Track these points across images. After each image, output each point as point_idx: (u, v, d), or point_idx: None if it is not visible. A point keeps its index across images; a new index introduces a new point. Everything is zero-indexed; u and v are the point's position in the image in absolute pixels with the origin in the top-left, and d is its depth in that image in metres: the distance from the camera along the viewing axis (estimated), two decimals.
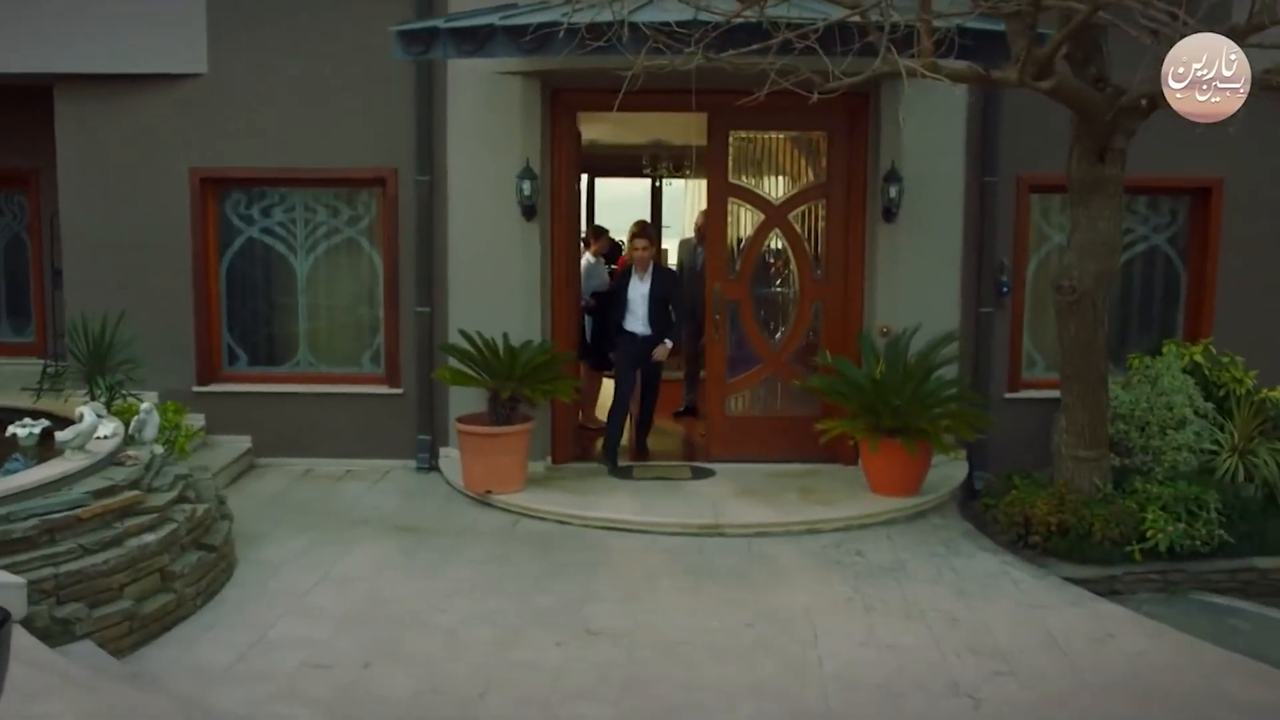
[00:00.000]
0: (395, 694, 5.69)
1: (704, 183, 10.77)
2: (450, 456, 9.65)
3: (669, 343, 9.96)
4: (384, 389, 10.05)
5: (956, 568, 7.70)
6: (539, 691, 5.74)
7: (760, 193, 10.04)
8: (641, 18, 7.01)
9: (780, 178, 10.28)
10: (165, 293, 9.82)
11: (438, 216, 9.68)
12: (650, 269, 9.95)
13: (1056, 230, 9.84)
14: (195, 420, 9.62)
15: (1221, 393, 9.22)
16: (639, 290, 9.91)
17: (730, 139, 9.87)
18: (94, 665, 5.53)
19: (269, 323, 10.36)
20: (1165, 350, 9.45)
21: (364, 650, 6.23)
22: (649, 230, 10.37)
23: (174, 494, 7.09)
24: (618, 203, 19.13)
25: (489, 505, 8.89)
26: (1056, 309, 8.10)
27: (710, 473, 9.60)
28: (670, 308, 9.98)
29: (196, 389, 9.91)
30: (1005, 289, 9.74)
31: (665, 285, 10.03)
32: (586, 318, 11.36)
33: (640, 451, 10.42)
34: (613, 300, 10.34)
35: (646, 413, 10.53)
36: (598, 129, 12.37)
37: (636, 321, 9.91)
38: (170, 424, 8.57)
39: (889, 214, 9.28)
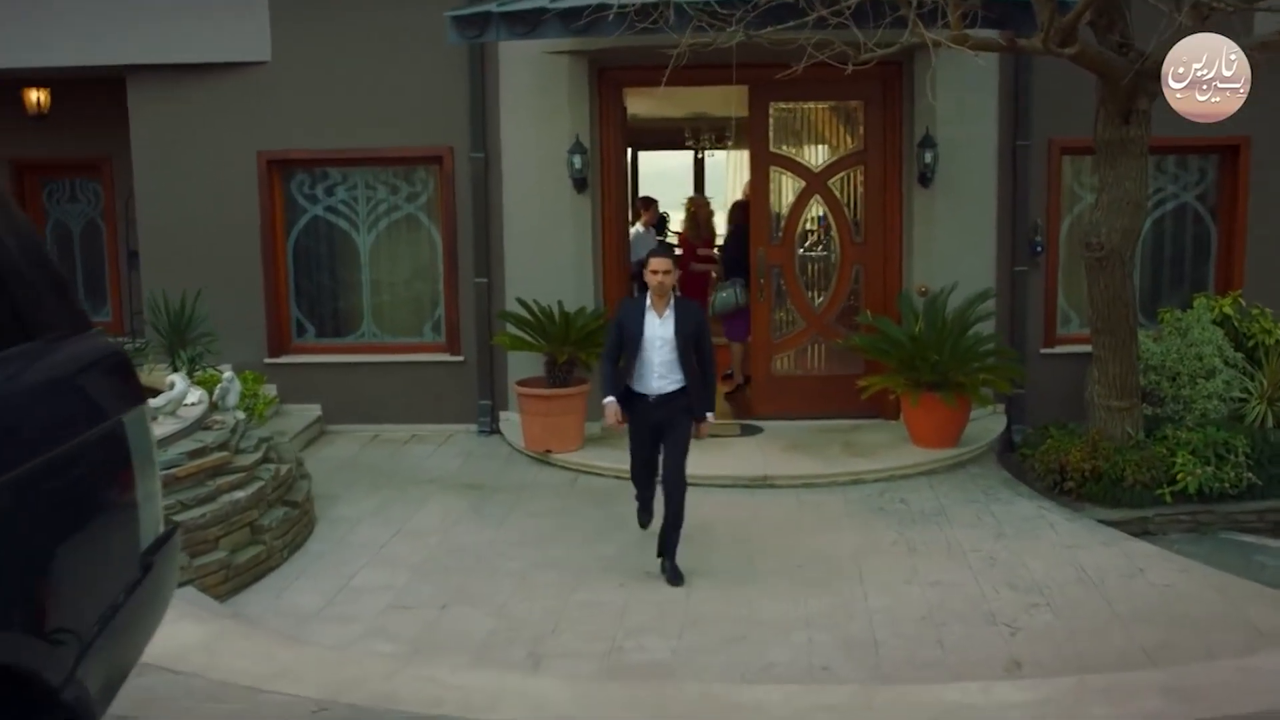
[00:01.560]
0: (474, 631, 6.18)
1: (745, 153, 11.06)
2: (510, 419, 10.13)
3: (710, 415, 7.15)
4: (445, 357, 10.53)
5: (995, 512, 8.11)
6: (605, 628, 6.21)
7: (801, 161, 10.43)
8: None
9: (819, 146, 10.66)
10: (236, 270, 10.32)
11: (493, 191, 10.13)
12: (672, 301, 7.06)
13: (1088, 191, 10.15)
14: (268, 390, 10.14)
15: (1251, 343, 9.53)
16: (656, 331, 6.99)
17: (770, 110, 10.25)
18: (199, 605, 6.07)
19: (334, 296, 10.86)
20: (1195, 303, 9.77)
21: (441, 594, 6.73)
22: (670, 251, 8.16)
23: (259, 455, 7.62)
24: (660, 175, 19.51)
25: (548, 464, 9.36)
26: (1086, 265, 8.45)
27: (758, 430, 10.02)
28: (699, 351, 7.10)
29: (268, 360, 10.42)
30: (1039, 248, 10.08)
31: (693, 323, 7.05)
32: (635, 284, 11.74)
33: (674, 577, 6.99)
34: (617, 344, 7.15)
35: (673, 515, 7.05)
36: (640, 104, 12.76)
37: (652, 376, 7.01)
38: (250, 392, 9.10)
39: (924, 179, 9.65)
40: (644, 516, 7.50)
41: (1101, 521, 7.97)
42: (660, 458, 7.19)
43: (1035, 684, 4.75)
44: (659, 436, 7.15)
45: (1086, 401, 8.86)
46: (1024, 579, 6.86)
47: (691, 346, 7.04)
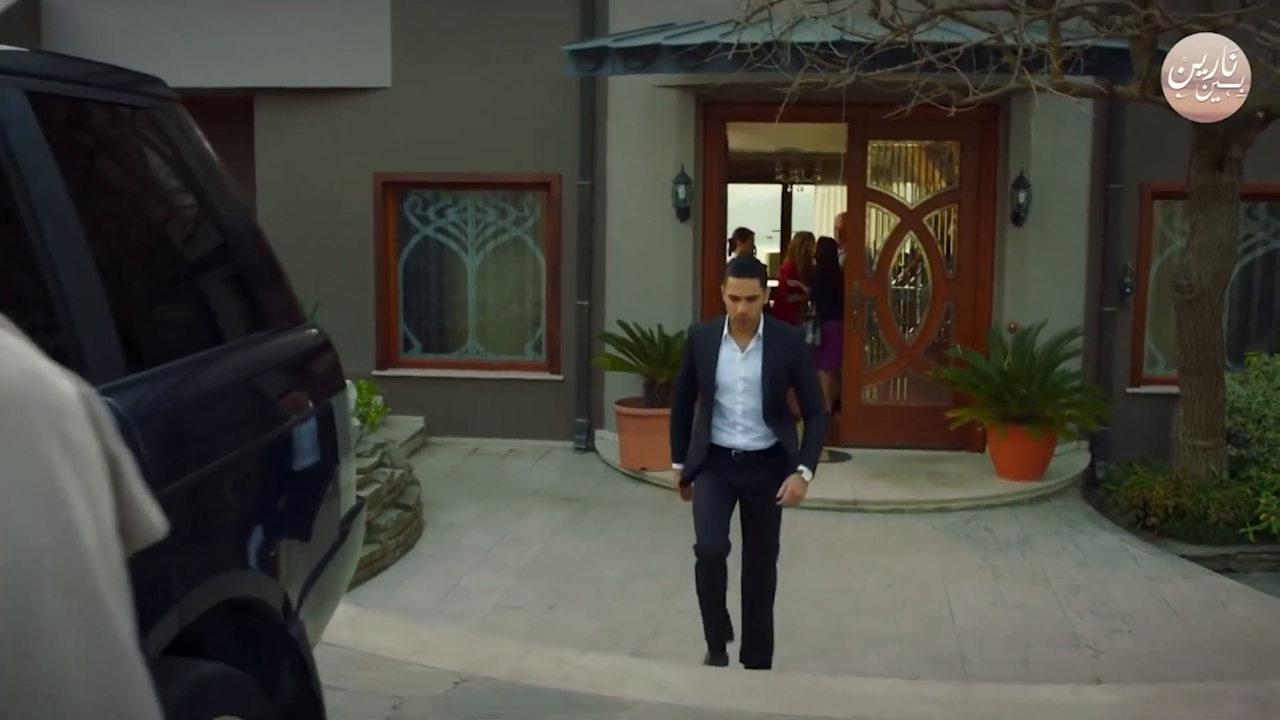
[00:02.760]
0: (580, 630, 6.54)
1: (834, 189, 11.41)
2: (605, 438, 10.51)
3: (807, 471, 5.47)
4: (545, 375, 10.94)
5: (1079, 544, 8.34)
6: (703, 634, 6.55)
7: (896, 197, 10.75)
8: (795, 38, 7.77)
9: (913, 183, 10.99)
10: (349, 285, 10.81)
11: (597, 218, 10.55)
12: (760, 331, 5.46)
13: (1178, 235, 10.37)
14: (378, 400, 10.59)
15: None
16: (737, 372, 5.47)
17: (869, 148, 10.59)
18: None
19: (441, 314, 11.33)
20: None
21: (547, 596, 7.11)
22: (756, 268, 5.75)
23: (375, 459, 8.06)
24: (748, 207, 19.84)
25: (643, 481, 9.72)
26: (1175, 306, 8.68)
27: (846, 456, 10.31)
28: (799, 395, 5.62)
29: (375, 373, 10.88)
30: (1128, 289, 10.31)
31: (789, 358, 5.50)
32: None
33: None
34: (690, 381, 5.69)
35: (758, 637, 5.77)
36: (734, 137, 13.09)
37: (733, 429, 5.51)
38: (364, 401, 9.56)
39: (1017, 218, 9.92)
40: (715, 651, 5.71)
41: (1184, 557, 8.16)
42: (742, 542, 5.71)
43: (1120, 689, 5.02)
44: (738, 507, 5.64)
45: (1172, 440, 9.07)
46: (1106, 606, 7.09)
47: (785, 389, 5.50)
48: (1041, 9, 7.02)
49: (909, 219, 10.67)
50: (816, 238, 13.41)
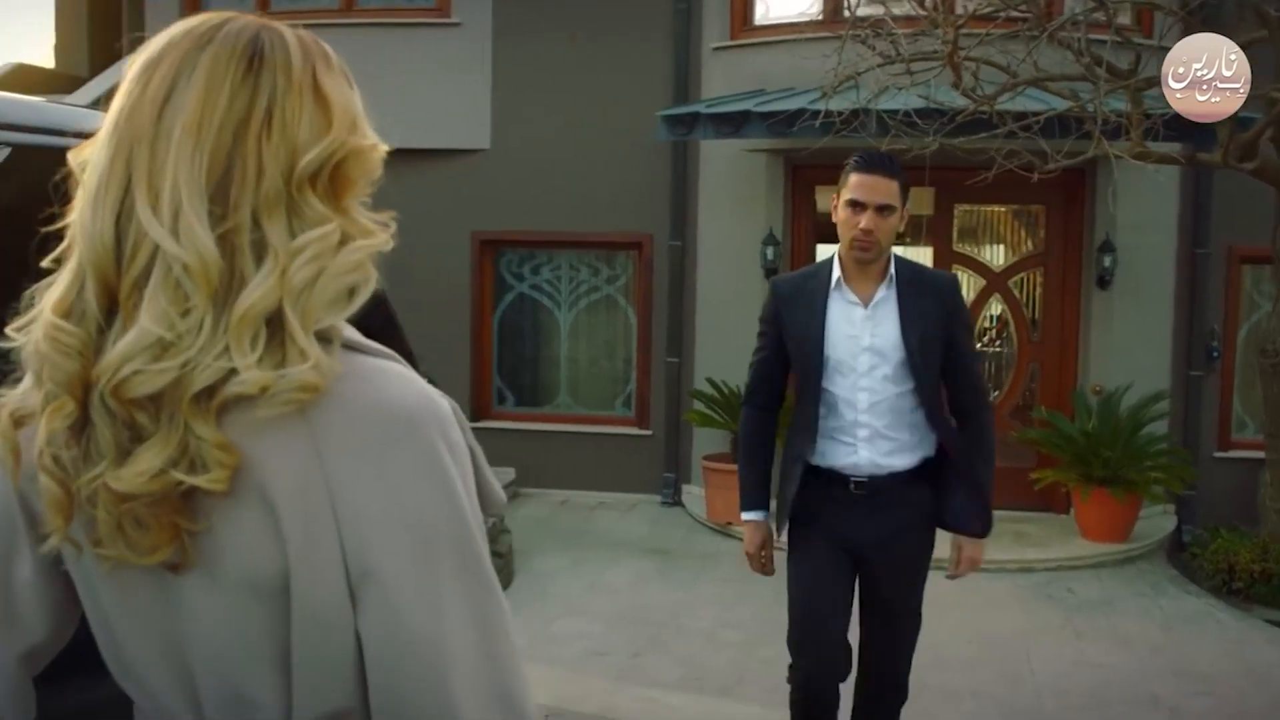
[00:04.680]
0: (664, 676, 6.72)
1: (923, 249, 11.57)
2: (692, 492, 10.72)
3: (980, 526, 4.10)
4: (634, 430, 11.21)
5: (1162, 606, 8.37)
6: (784, 686, 6.70)
7: (981, 260, 10.91)
8: (881, 105, 8.02)
9: (999, 245, 11.14)
10: (446, 340, 11.19)
11: (688, 277, 10.84)
12: (892, 271, 3.80)
13: (1266, 299, 10.38)
14: None
15: None
16: (859, 335, 3.77)
17: (955, 211, 10.77)
18: None
19: (534, 368, 11.67)
20: None
21: (633, 644, 7.32)
22: (893, 164, 3.85)
23: None
24: None
25: (730, 535, 9.89)
26: (1260, 371, 8.73)
27: None
28: (953, 380, 3.88)
29: (470, 425, 11.19)
30: (1216, 354, 10.34)
31: (938, 311, 3.79)
32: None
33: None
34: (768, 377, 4.01)
35: None
36: (823, 199, 13.38)
37: (850, 434, 3.78)
38: None
39: (1103, 281, 10.03)
40: None
41: (1270, 621, 8.15)
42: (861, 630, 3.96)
43: None
44: (856, 576, 3.87)
45: (1259, 504, 9.07)
46: (1189, 668, 7.13)
47: (937, 366, 3.71)
48: (1122, 79, 7.20)
49: (994, 281, 10.81)
50: None
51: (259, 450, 1.20)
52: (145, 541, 1.21)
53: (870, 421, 3.69)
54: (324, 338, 1.23)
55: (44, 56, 15.97)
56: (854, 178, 3.70)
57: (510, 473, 11.16)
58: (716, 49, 10.56)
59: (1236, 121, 7.39)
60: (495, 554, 8.25)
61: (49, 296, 1.25)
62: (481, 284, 11.39)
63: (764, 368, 3.92)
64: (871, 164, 3.69)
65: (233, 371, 1.18)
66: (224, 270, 1.19)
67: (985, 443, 3.86)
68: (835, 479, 3.73)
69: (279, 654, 1.25)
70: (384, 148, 1.39)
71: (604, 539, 9.81)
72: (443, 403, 1.31)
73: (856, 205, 3.64)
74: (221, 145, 1.23)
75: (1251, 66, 7.02)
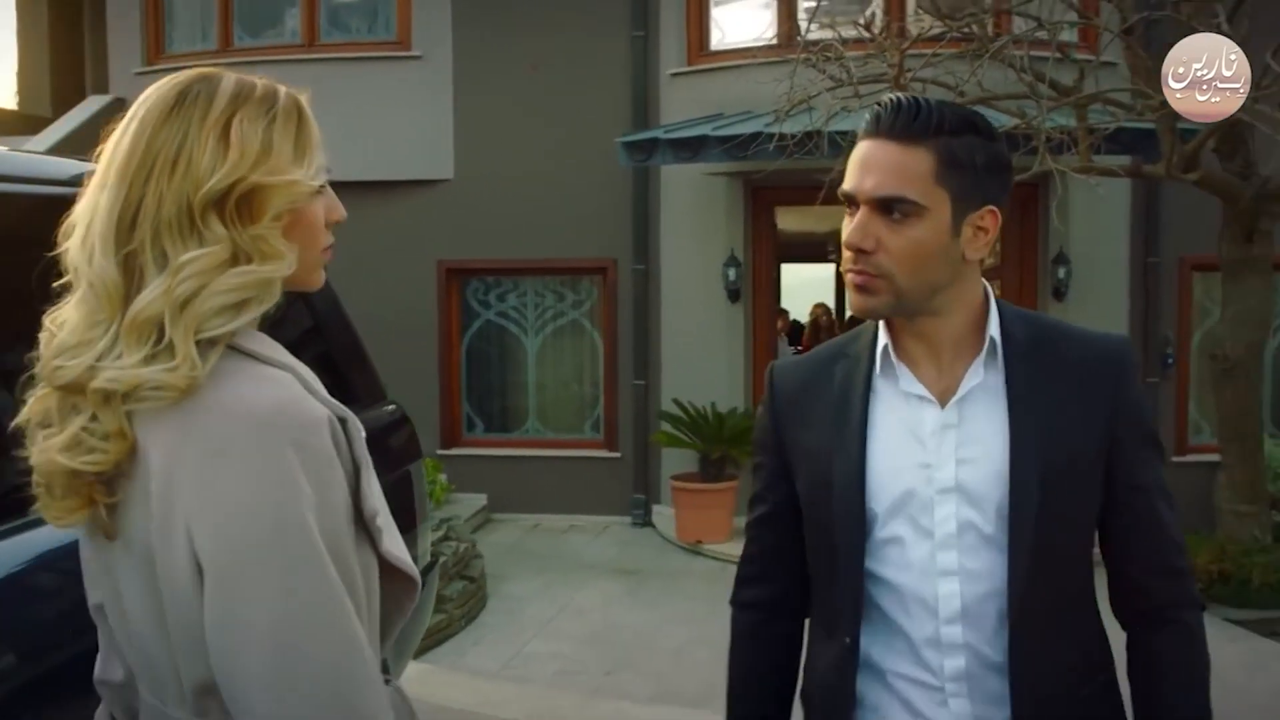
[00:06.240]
0: (636, 694, 6.81)
1: None
2: (662, 513, 10.84)
3: None
4: (603, 453, 11.32)
5: None
6: None
7: None
8: (836, 127, 8.18)
9: None
10: (414, 368, 11.26)
11: (652, 300, 10.98)
12: (994, 345, 1.87)
13: (1218, 305, 10.58)
14: (443, 478, 11.02)
15: None
16: (922, 459, 1.85)
17: None
18: None
19: (503, 394, 11.78)
20: None
21: (605, 663, 7.41)
22: (906, 115, 1.80)
23: (441, 532, 8.45)
24: (803, 286, 20.22)
25: (699, 554, 10.01)
26: (1213, 376, 8.93)
27: None
28: (1140, 568, 1.97)
29: (440, 452, 11.30)
30: (1170, 360, 10.54)
31: (1090, 421, 1.85)
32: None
33: None
34: (773, 537, 2.07)
35: None
36: (787, 219, 13.52)
37: (928, 674, 1.86)
38: (430, 478, 9.97)
39: (1058, 293, 10.22)
40: None
41: (1229, 620, 8.32)
42: None
43: None
44: None
45: (1215, 506, 9.25)
46: None
47: (1087, 520, 1.90)
48: (1065, 96, 7.39)
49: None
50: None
51: (146, 438, 1.40)
52: (56, 507, 1.45)
53: (970, 640, 1.85)
54: (212, 344, 1.42)
55: (6, 98, 16.02)
56: (856, 150, 1.89)
57: (482, 499, 11.25)
58: (674, 75, 10.74)
59: (1179, 134, 7.60)
60: (468, 579, 8.35)
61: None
62: (449, 312, 11.50)
63: (763, 532, 2.10)
64: (879, 123, 1.83)
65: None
66: (123, 285, 1.42)
67: (1196, 679, 2.03)
68: None
69: (164, 621, 1.43)
70: (306, 183, 1.51)
71: (575, 561, 9.90)
72: (310, 411, 1.42)
73: (849, 203, 1.87)
74: (138, 181, 1.43)
75: None
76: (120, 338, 1.40)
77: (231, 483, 1.35)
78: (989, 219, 1.84)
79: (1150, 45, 7.91)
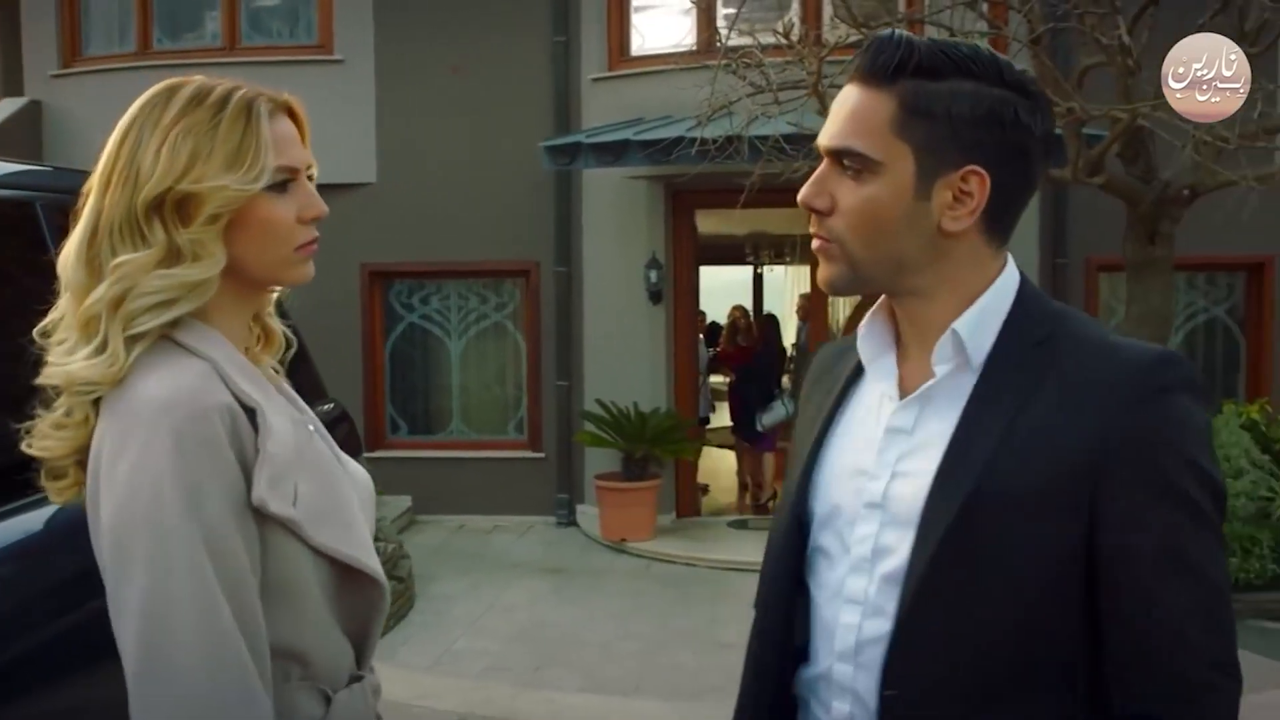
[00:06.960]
0: (565, 686, 6.95)
1: (803, 269, 11.98)
2: (586, 512, 10.97)
3: None
4: (527, 453, 11.44)
5: None
6: (683, 688, 6.96)
7: None
8: (756, 132, 8.37)
9: None
10: (338, 371, 11.16)
11: (574, 302, 11.11)
12: (963, 338, 1.52)
13: (1123, 305, 10.92)
14: None
15: (1277, 446, 10.21)
16: (858, 464, 1.59)
17: None
18: None
19: (426, 396, 11.85)
20: (1224, 409, 10.47)
21: (534, 658, 7.52)
22: (876, 53, 1.57)
23: None
24: (722, 289, 20.42)
25: (623, 552, 10.16)
26: None
27: None
28: (1125, 628, 1.44)
29: (365, 454, 11.25)
30: None
31: (1083, 429, 1.42)
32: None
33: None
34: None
35: None
36: (705, 222, 13.67)
37: (821, 709, 1.58)
38: None
39: None
40: None
41: None
42: None
43: None
44: None
45: None
46: None
47: (1068, 583, 1.44)
48: None
49: (867, 300, 11.18)
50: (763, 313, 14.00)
51: (99, 425, 1.52)
52: (49, 486, 1.61)
53: (859, 687, 1.53)
54: (141, 338, 1.53)
55: None
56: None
57: (407, 500, 11.29)
58: (596, 80, 10.89)
59: (1084, 140, 7.88)
60: (396, 579, 8.40)
61: None
62: (372, 315, 11.54)
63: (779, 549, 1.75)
64: (858, 66, 1.59)
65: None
66: (89, 286, 1.54)
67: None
68: None
69: None
70: (236, 187, 1.57)
71: (501, 561, 10.00)
72: (202, 400, 1.49)
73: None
74: (103, 187, 1.57)
75: (1093, 88, 7.54)
76: (77, 335, 1.54)
77: (123, 469, 1.46)
78: (974, 182, 1.50)
79: (1056, 54, 8.19)
